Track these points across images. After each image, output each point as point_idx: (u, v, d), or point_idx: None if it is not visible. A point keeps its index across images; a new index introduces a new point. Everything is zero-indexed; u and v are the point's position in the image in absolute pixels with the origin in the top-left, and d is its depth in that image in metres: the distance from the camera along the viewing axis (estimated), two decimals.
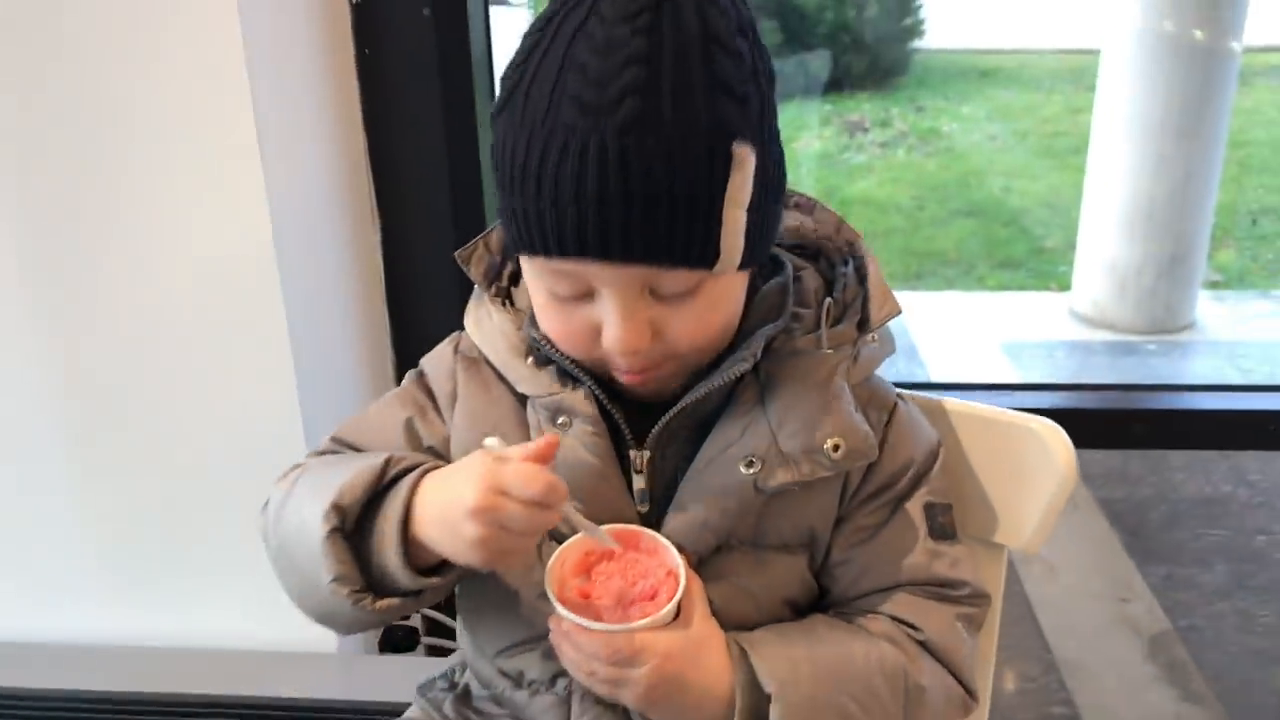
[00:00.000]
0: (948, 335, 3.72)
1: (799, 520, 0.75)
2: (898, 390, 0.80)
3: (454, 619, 0.87)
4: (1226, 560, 2.37)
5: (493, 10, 1.41)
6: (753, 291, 0.75)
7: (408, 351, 1.42)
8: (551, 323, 0.72)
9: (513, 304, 0.79)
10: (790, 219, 0.80)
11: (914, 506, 0.77)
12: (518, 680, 0.79)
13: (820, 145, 5.73)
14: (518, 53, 0.68)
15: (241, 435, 1.24)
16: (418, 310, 1.41)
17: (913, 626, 0.76)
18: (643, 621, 0.67)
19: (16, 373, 1.25)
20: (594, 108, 0.62)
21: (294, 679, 1.23)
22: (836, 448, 0.71)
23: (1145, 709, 1.93)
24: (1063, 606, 2.22)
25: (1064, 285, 3.99)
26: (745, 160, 0.65)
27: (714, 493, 0.73)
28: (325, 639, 1.31)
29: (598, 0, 0.64)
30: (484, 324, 0.79)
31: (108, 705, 1.21)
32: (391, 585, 0.72)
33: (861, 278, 0.77)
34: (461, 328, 0.82)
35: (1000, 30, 7.39)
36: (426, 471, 0.72)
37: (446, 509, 0.67)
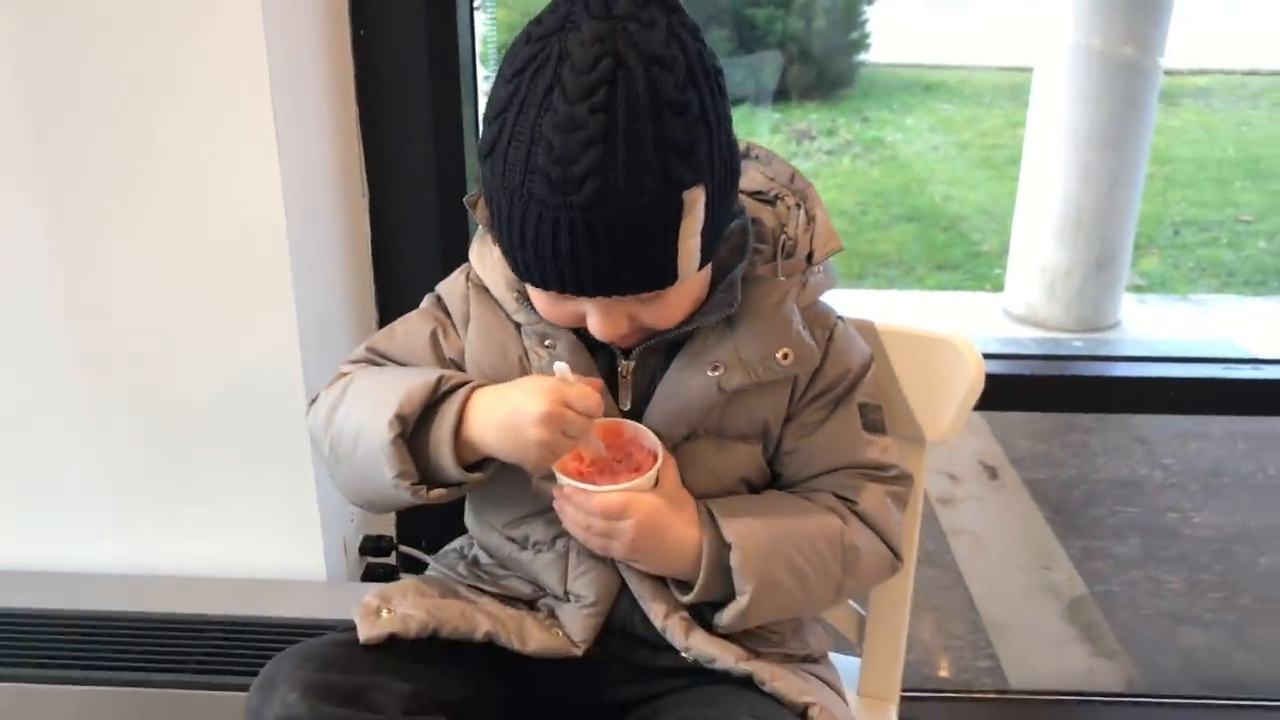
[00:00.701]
0: None
1: (755, 415, 0.90)
2: (838, 314, 0.94)
3: (430, 554, 1.01)
4: (1140, 534, 2.55)
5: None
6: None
7: (388, 305, 1.54)
8: (541, 307, 0.86)
9: None
10: (752, 170, 0.94)
11: (850, 406, 0.92)
12: (523, 543, 0.93)
13: None
14: (496, 101, 0.78)
15: (245, 377, 1.34)
16: (399, 270, 1.53)
17: (849, 500, 0.91)
18: (629, 483, 0.82)
19: (38, 324, 1.34)
20: (560, 186, 0.73)
21: (287, 602, 1.33)
22: (786, 356, 0.86)
23: (1061, 664, 2.09)
24: (990, 575, 2.38)
25: (998, 286, 4.20)
26: (695, 201, 0.77)
27: (685, 391, 0.87)
28: (315, 569, 1.43)
29: (560, 70, 0.74)
30: (485, 260, 0.92)
31: (116, 624, 1.30)
32: (442, 478, 0.85)
33: (810, 219, 0.91)
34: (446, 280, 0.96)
35: (945, 47, 7.64)
36: (475, 388, 0.86)
37: (512, 416, 0.81)
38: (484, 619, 0.88)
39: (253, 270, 1.30)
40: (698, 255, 0.80)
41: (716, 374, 0.86)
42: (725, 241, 0.88)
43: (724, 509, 0.87)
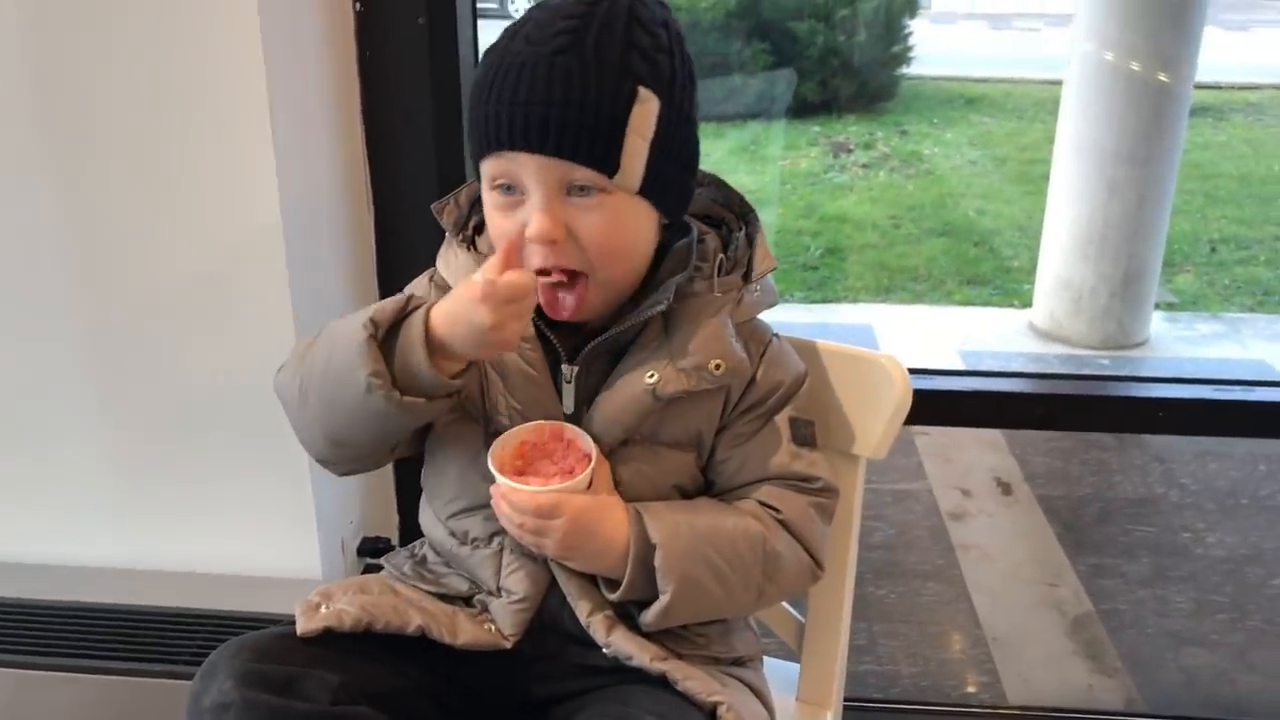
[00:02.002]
0: (911, 342, 3.91)
1: (689, 424, 0.95)
2: (774, 332, 0.99)
3: None
4: (1152, 553, 2.54)
5: (480, 22, 1.60)
6: (667, 251, 0.95)
7: None
8: (497, 228, 0.91)
9: (476, 249, 0.98)
10: (703, 195, 1.00)
11: (781, 419, 0.96)
12: (463, 538, 0.98)
13: (806, 164, 5.91)
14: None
15: (245, 380, 1.41)
16: (404, 282, 1.58)
17: (775, 508, 0.95)
18: (560, 485, 0.87)
19: (46, 327, 1.42)
20: (536, 40, 0.85)
21: (279, 599, 1.39)
22: (718, 367, 0.91)
23: (1060, 680, 2.10)
24: (995, 589, 2.39)
25: (1027, 302, 4.18)
26: (648, 101, 0.86)
27: (623, 398, 0.92)
28: (311, 568, 1.49)
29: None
30: (451, 263, 0.98)
31: (114, 616, 1.38)
32: (415, 385, 0.88)
33: (751, 242, 0.96)
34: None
35: (989, 60, 7.61)
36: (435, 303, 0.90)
37: (460, 307, 0.85)
38: (416, 614, 0.93)
39: (251, 279, 1.37)
40: (642, 163, 0.87)
41: (652, 381, 0.91)
42: (673, 256, 0.94)
43: (652, 511, 0.92)
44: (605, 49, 0.85)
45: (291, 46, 1.36)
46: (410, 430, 0.94)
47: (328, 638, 0.90)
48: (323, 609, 0.91)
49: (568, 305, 0.91)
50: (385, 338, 0.88)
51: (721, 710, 0.87)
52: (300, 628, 0.90)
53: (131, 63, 1.30)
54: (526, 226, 0.88)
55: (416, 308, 0.89)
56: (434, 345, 0.87)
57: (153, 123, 1.33)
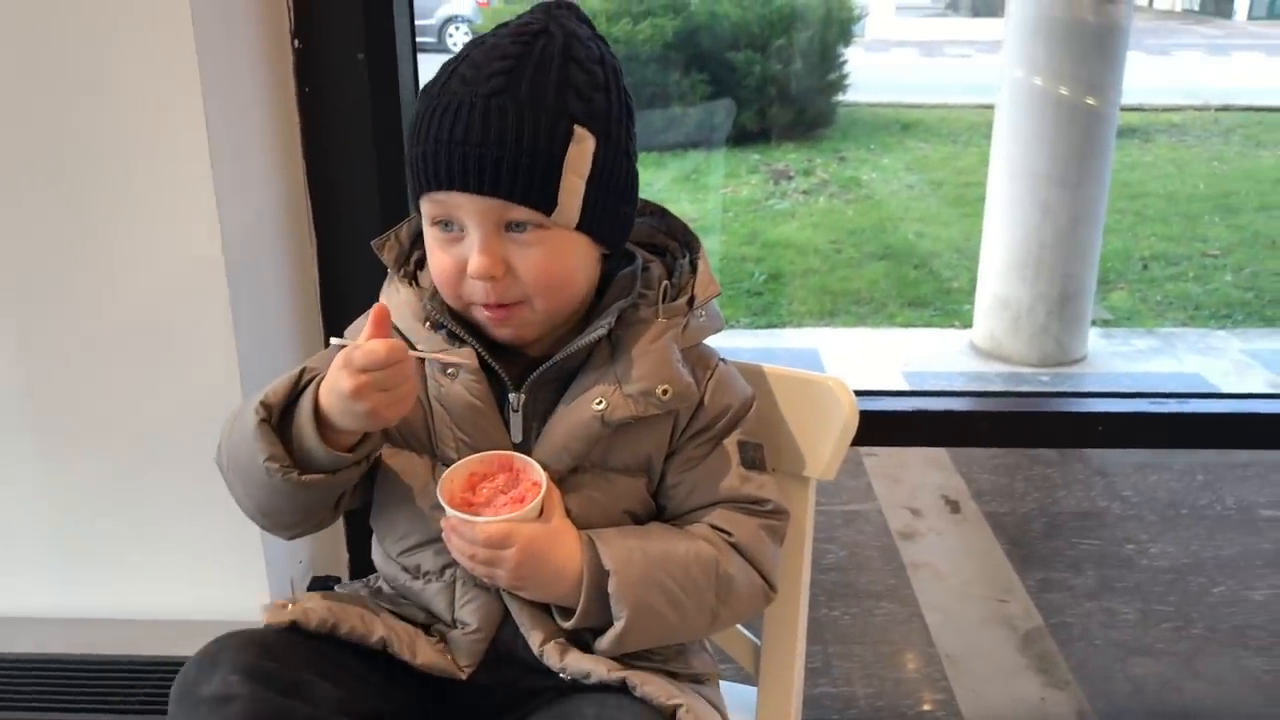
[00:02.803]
0: (855, 364, 3.96)
1: (638, 449, 0.95)
2: (721, 356, 1.00)
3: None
4: (1097, 566, 2.58)
5: (420, 56, 1.60)
6: (611, 279, 0.96)
7: None
8: (437, 264, 0.92)
9: (418, 283, 0.98)
10: (645, 223, 1.01)
11: (730, 443, 0.97)
12: (415, 573, 0.98)
13: (747, 192, 5.98)
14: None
15: (189, 422, 1.39)
16: (348, 317, 1.58)
17: (726, 532, 0.96)
18: (511, 514, 0.87)
19: None
20: (472, 81, 0.87)
21: None
22: (665, 392, 0.92)
23: (1013, 694, 2.12)
24: (947, 607, 2.41)
25: (967, 323, 4.25)
26: (584, 140, 0.88)
27: (571, 425, 0.92)
28: (254, 611, 1.46)
29: (501, 27, 0.90)
30: (393, 298, 0.98)
31: (58, 666, 1.34)
32: (313, 462, 0.90)
33: (694, 269, 0.97)
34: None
35: (924, 85, 7.77)
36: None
37: (330, 377, 0.87)
38: (381, 626, 0.93)
39: (193, 316, 1.36)
40: (579, 200, 0.88)
41: (600, 408, 0.91)
42: (617, 284, 0.95)
43: (604, 538, 0.92)
44: (540, 89, 0.86)
45: (229, 83, 1.35)
46: (330, 500, 0.94)
47: (318, 646, 0.89)
48: (289, 607, 0.91)
49: (505, 332, 0.93)
50: (284, 415, 0.90)
51: (681, 712, 0.87)
52: (265, 619, 0.90)
53: (66, 98, 1.29)
54: (467, 262, 0.89)
55: (310, 381, 0.90)
56: (323, 420, 0.88)
57: (90, 159, 1.31)
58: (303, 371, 0.91)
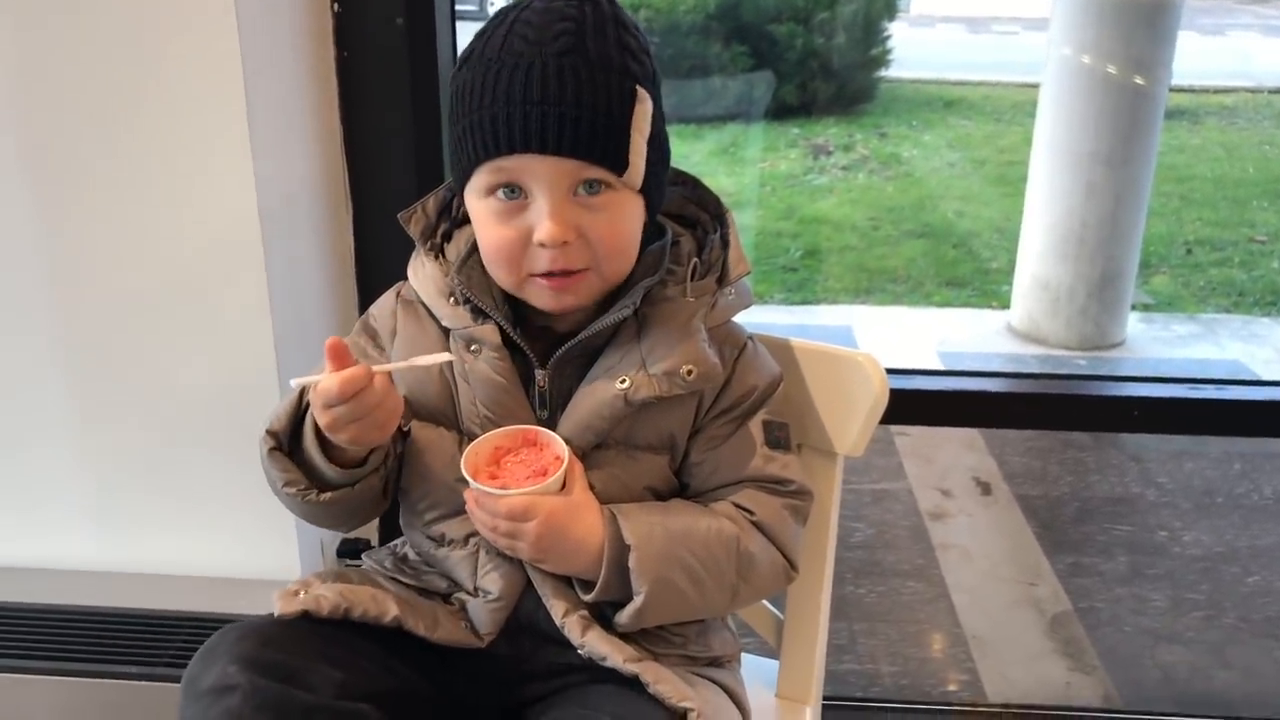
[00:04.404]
0: (890, 343, 3.93)
1: (662, 428, 0.95)
2: (749, 334, 0.99)
3: None
4: (1129, 552, 2.56)
5: (458, 24, 1.60)
6: (641, 254, 0.95)
7: None
8: (494, 237, 0.90)
9: (444, 257, 0.98)
10: (677, 194, 1.00)
11: (755, 423, 0.96)
12: (440, 540, 0.98)
13: (786, 166, 5.93)
14: (474, 37, 0.90)
15: (224, 382, 1.41)
16: (383, 283, 1.58)
17: (748, 510, 0.95)
18: (533, 487, 0.87)
19: (24, 330, 1.41)
20: (538, 40, 0.85)
21: (258, 600, 1.38)
22: (690, 372, 0.91)
23: (1039, 677, 2.11)
24: (975, 589, 2.41)
25: (1005, 304, 4.21)
26: (645, 101, 0.87)
27: (595, 403, 0.92)
28: (290, 569, 1.48)
29: (527, 8, 0.87)
30: (419, 272, 0.98)
31: (94, 618, 1.37)
32: (330, 482, 0.93)
33: (726, 245, 0.96)
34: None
35: (968, 63, 7.66)
36: None
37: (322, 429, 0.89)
38: (394, 604, 0.93)
39: (229, 280, 1.36)
40: (643, 162, 0.88)
41: (624, 387, 0.91)
42: (646, 259, 0.94)
43: (626, 512, 0.92)
44: (604, 50, 0.86)
45: (269, 47, 1.36)
46: (368, 499, 0.96)
47: (321, 629, 0.90)
48: (301, 595, 0.92)
49: (567, 300, 0.92)
50: (297, 436, 0.92)
51: (691, 717, 0.87)
52: (278, 610, 0.91)
53: (106, 63, 1.30)
54: (535, 231, 0.87)
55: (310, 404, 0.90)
56: (326, 441, 0.90)
57: (128, 124, 1.32)
58: (303, 393, 0.92)
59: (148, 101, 1.31)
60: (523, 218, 0.88)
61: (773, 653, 1.15)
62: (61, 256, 1.38)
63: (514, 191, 0.88)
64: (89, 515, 1.49)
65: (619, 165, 0.87)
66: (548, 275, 0.89)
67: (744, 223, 5.18)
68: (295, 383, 0.89)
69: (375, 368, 0.86)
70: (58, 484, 1.48)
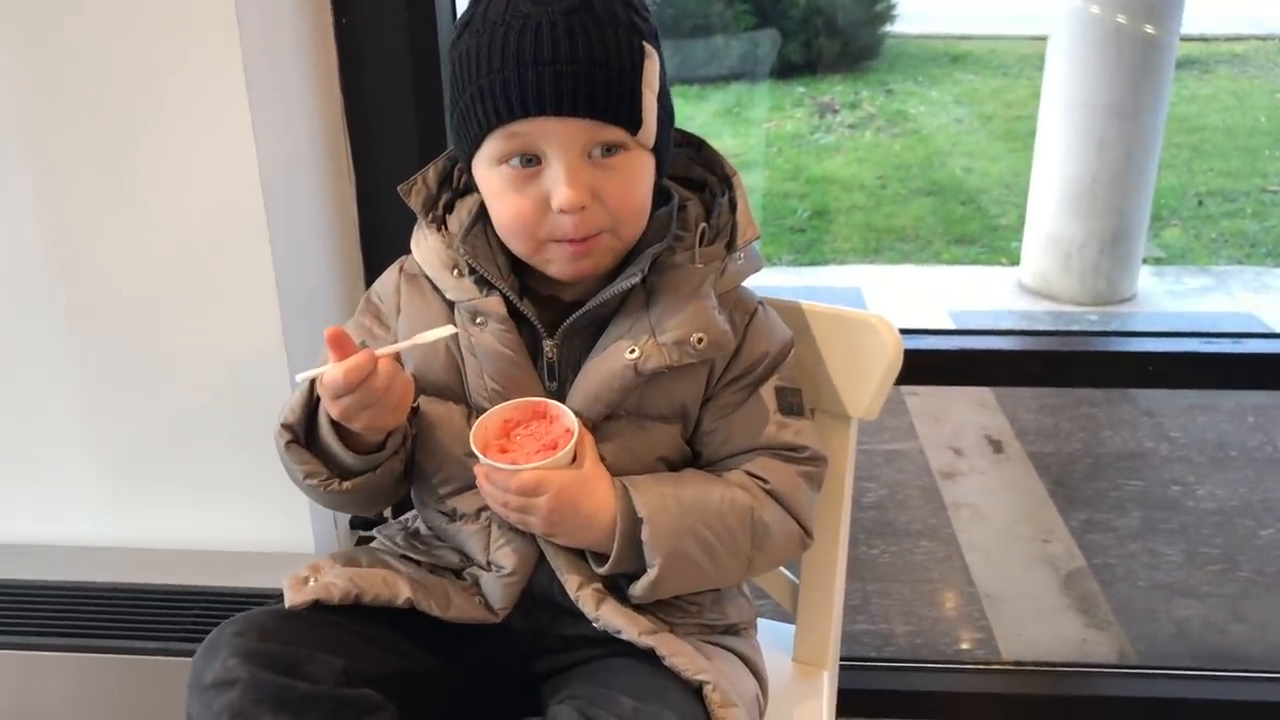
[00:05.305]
0: (900, 303, 3.91)
1: (673, 397, 0.93)
2: (760, 298, 0.98)
3: None
4: (1142, 507, 2.55)
5: None
6: (649, 219, 0.93)
7: None
8: (510, 206, 0.88)
9: (446, 228, 0.96)
10: (683, 155, 0.98)
11: (767, 389, 0.95)
12: (452, 515, 0.98)
13: (792, 126, 5.88)
14: (471, 2, 0.88)
15: (234, 357, 1.40)
16: (389, 254, 1.57)
17: (762, 479, 0.94)
18: (543, 461, 0.86)
19: (30, 306, 1.40)
20: (542, 0, 0.82)
21: (271, 574, 1.38)
22: (700, 340, 0.89)
23: (1054, 634, 2.12)
24: (988, 547, 2.41)
25: (1014, 260, 4.18)
26: (652, 57, 0.86)
27: (605, 373, 0.90)
28: (304, 542, 1.48)
29: None
30: (421, 244, 0.97)
31: (109, 594, 1.37)
32: (351, 469, 0.92)
33: (734, 208, 0.94)
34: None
35: (974, 17, 7.56)
36: None
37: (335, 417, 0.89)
38: (406, 586, 0.92)
39: (232, 252, 1.35)
40: (654, 119, 0.87)
41: (633, 357, 0.89)
42: (654, 224, 0.92)
43: (638, 485, 0.90)
44: (609, 7, 0.84)
45: (266, 15, 1.33)
46: (389, 481, 0.96)
47: (327, 617, 0.89)
48: (311, 582, 0.91)
49: (584, 266, 0.90)
50: (309, 428, 0.92)
51: (707, 690, 0.86)
52: (289, 600, 0.90)
53: (98, 35, 1.28)
54: (551, 198, 0.86)
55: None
56: (342, 428, 0.90)
57: (123, 98, 1.30)
58: (312, 385, 0.91)
59: (142, 74, 1.29)
60: (537, 184, 0.86)
61: (789, 616, 1.15)
62: (63, 233, 1.37)
63: (529, 161, 0.86)
64: (100, 491, 1.49)
65: (634, 123, 0.85)
66: (567, 241, 0.88)
67: (751, 184, 5.12)
68: (301, 377, 0.88)
69: (379, 351, 0.85)
70: (68, 461, 1.47)
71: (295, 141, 1.42)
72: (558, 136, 0.84)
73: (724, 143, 5.52)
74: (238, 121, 1.30)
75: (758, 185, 5.12)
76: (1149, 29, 3.53)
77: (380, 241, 1.58)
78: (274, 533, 1.47)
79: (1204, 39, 6.91)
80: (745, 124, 5.86)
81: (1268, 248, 4.44)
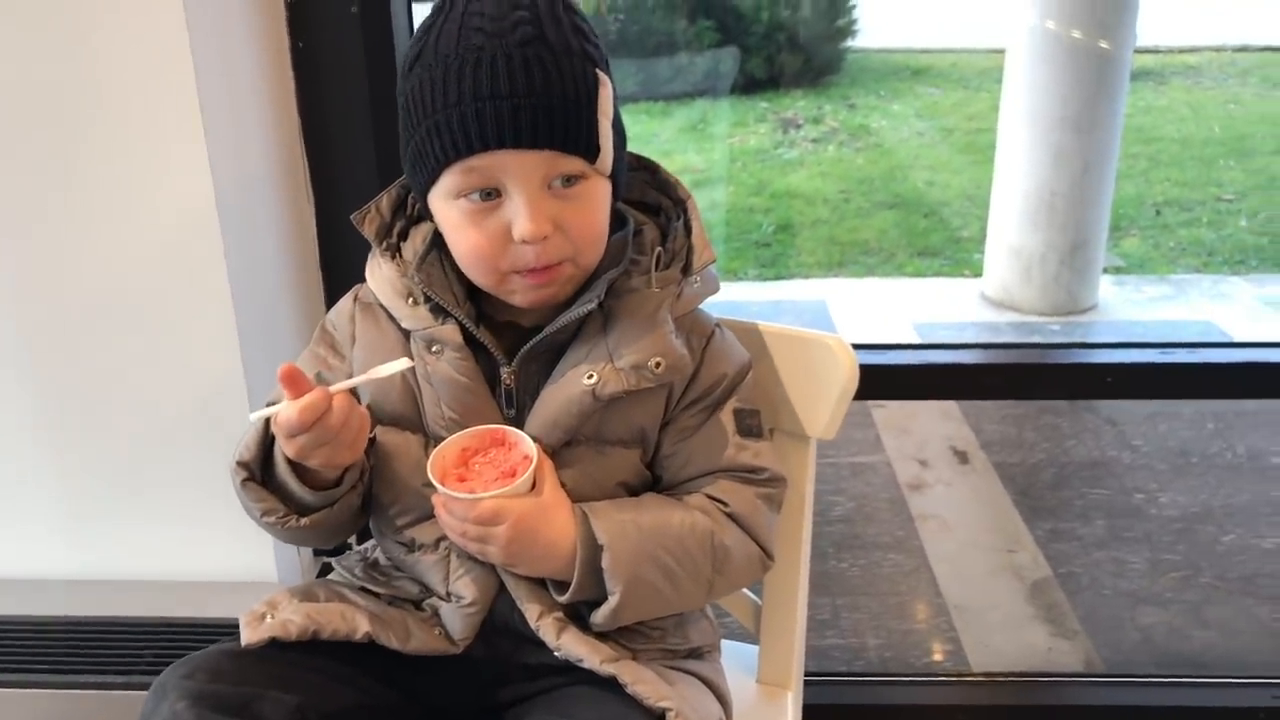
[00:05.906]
0: (864, 316, 3.94)
1: (631, 422, 0.93)
2: (716, 320, 0.98)
3: None
4: (1106, 516, 2.58)
5: (415, 8, 1.57)
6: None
7: None
8: (471, 240, 0.88)
9: (401, 256, 0.95)
10: (638, 179, 0.98)
11: (726, 412, 0.95)
12: (410, 546, 0.97)
13: (755, 141, 5.92)
14: (418, 30, 0.88)
15: (191, 382, 1.38)
16: (349, 278, 1.56)
17: (722, 502, 0.94)
18: (501, 490, 0.85)
19: None
20: (496, 32, 0.82)
21: (235, 603, 1.36)
22: (658, 365, 0.89)
23: (1021, 644, 2.13)
24: (955, 558, 2.42)
25: (977, 272, 4.22)
26: (606, 84, 0.86)
27: (563, 399, 0.90)
28: (266, 570, 1.46)
29: None
30: (375, 273, 0.96)
31: (70, 628, 1.35)
32: (307, 504, 0.91)
33: (689, 231, 0.94)
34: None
35: (935, 31, 7.65)
36: None
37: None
38: (364, 620, 0.91)
39: (188, 277, 1.34)
40: (610, 146, 0.87)
41: (591, 383, 0.89)
42: (610, 249, 0.92)
43: (597, 511, 0.90)
44: (562, 36, 0.84)
45: (220, 38, 1.33)
46: (348, 515, 0.95)
47: (282, 654, 0.88)
48: (268, 619, 0.90)
49: (546, 294, 0.90)
50: (265, 464, 0.91)
51: (670, 716, 0.86)
52: (245, 639, 0.89)
53: (49, 58, 1.26)
54: (512, 228, 0.85)
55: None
56: (298, 465, 0.89)
57: (74, 122, 1.29)
58: (268, 422, 0.89)
59: (94, 98, 1.28)
60: (496, 217, 0.86)
61: (753, 637, 1.14)
62: (15, 258, 1.35)
63: (489, 194, 0.86)
64: (58, 523, 1.46)
65: (592, 152, 0.85)
66: (529, 271, 0.87)
67: (715, 199, 5.16)
68: (255, 416, 0.88)
69: (333, 387, 0.84)
70: (24, 492, 1.45)
71: (252, 165, 1.41)
72: (518, 169, 0.84)
73: (688, 158, 5.54)
74: (192, 145, 1.29)
75: (722, 200, 5.14)
76: (1103, 44, 3.59)
77: (340, 265, 1.57)
78: (237, 560, 1.45)
79: (1158, 51, 7.03)
80: (709, 140, 5.89)
81: (1224, 256, 4.51)
